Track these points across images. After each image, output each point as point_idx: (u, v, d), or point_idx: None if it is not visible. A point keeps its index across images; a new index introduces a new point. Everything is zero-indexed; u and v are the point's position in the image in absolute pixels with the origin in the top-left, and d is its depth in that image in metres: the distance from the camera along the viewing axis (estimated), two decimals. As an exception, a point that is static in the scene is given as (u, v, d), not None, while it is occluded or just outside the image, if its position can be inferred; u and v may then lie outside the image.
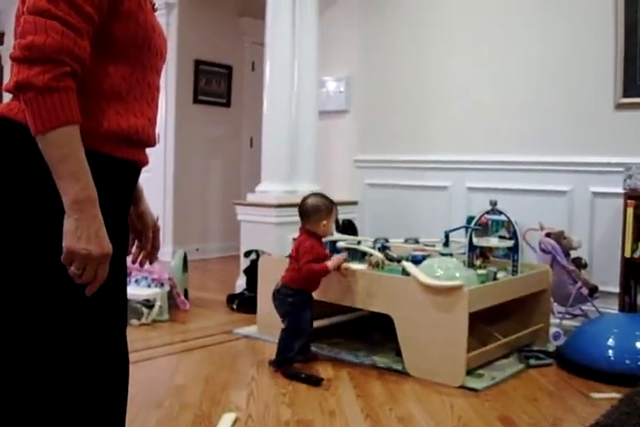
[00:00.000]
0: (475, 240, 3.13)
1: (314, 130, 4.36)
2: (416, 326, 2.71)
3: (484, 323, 3.05)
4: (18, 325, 1.17)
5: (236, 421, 2.22)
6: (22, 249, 1.15)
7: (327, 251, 2.96)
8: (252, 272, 3.88)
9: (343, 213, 3.42)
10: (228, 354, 3.03)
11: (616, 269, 3.25)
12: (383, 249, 3.27)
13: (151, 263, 1.51)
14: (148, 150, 1.35)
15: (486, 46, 4.00)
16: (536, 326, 3.16)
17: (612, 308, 3.39)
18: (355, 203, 4.58)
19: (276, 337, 3.14)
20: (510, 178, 3.90)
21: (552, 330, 3.20)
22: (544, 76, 3.77)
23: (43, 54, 1.06)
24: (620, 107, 3.51)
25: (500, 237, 3.49)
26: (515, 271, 3.06)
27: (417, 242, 3.42)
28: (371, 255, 3.08)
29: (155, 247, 1.49)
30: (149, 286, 3.70)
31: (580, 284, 3.26)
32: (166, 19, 5.72)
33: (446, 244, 3.14)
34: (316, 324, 3.04)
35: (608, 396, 2.47)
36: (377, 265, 3.00)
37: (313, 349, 2.99)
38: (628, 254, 3.16)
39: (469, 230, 3.11)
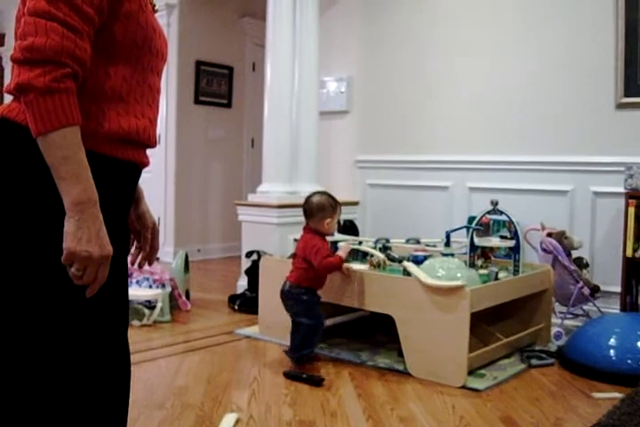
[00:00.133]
0: (476, 240, 3.13)
1: (315, 130, 4.36)
2: (417, 326, 2.71)
3: (485, 323, 3.05)
4: (18, 326, 1.17)
5: (237, 421, 2.22)
6: (23, 251, 1.15)
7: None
8: (253, 273, 3.89)
9: (344, 214, 3.42)
10: (230, 355, 3.03)
11: (617, 268, 3.25)
12: (384, 249, 3.27)
13: (150, 265, 1.51)
14: (149, 151, 1.35)
15: (487, 46, 4.00)
16: (538, 326, 3.16)
17: (613, 307, 3.39)
18: (356, 203, 4.58)
19: (278, 337, 3.15)
20: (511, 178, 3.90)
21: (554, 330, 3.21)
22: (545, 76, 3.77)
23: (43, 56, 1.06)
24: (620, 106, 3.51)
25: (502, 236, 3.49)
26: (516, 271, 3.06)
27: (418, 242, 3.42)
28: (372, 256, 3.08)
29: (153, 249, 1.48)
30: (151, 286, 3.70)
31: (581, 283, 3.26)
32: (167, 19, 5.73)
33: (447, 244, 3.14)
34: (318, 324, 3.04)
35: (610, 396, 2.47)
36: (378, 265, 3.00)
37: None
38: (629, 254, 3.16)
39: (471, 230, 3.11)
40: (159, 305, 3.56)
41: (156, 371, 2.77)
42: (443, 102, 4.21)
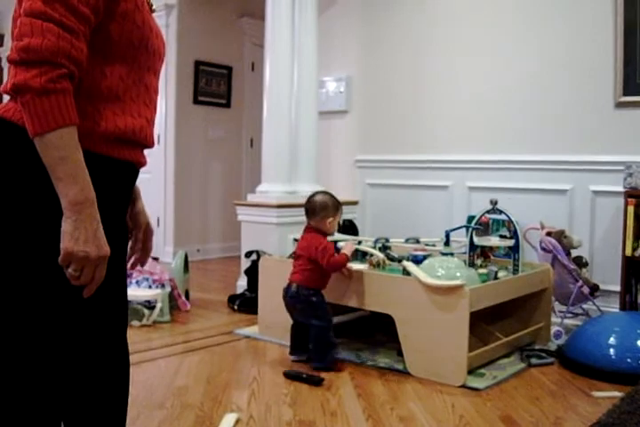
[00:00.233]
0: (475, 239, 3.13)
1: (314, 130, 4.36)
2: (417, 325, 2.71)
3: (485, 322, 3.05)
4: (16, 327, 1.17)
5: (237, 421, 2.22)
6: (20, 251, 1.15)
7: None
8: (252, 273, 3.89)
9: (344, 213, 3.42)
10: (230, 355, 3.03)
11: (617, 267, 3.25)
12: (384, 249, 3.27)
13: (142, 266, 1.50)
14: (147, 151, 1.35)
15: (486, 46, 4.00)
16: (537, 325, 3.16)
17: (613, 306, 3.39)
18: (355, 203, 4.58)
19: (278, 337, 3.15)
20: (511, 177, 3.90)
21: (553, 329, 3.21)
22: (544, 75, 3.77)
23: (39, 56, 1.06)
24: (619, 105, 3.51)
25: (501, 236, 3.49)
26: (516, 270, 3.06)
27: (418, 242, 3.42)
28: (371, 255, 3.08)
29: (145, 250, 1.47)
30: (150, 287, 3.70)
31: (580, 283, 3.26)
32: (166, 20, 5.73)
33: (447, 243, 3.14)
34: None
35: (610, 394, 2.47)
36: (378, 265, 3.01)
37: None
38: (628, 253, 3.16)
39: (470, 230, 3.11)
40: (159, 305, 3.56)
41: (156, 371, 2.77)
42: (442, 102, 4.21)
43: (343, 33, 4.71)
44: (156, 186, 5.88)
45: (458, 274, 2.76)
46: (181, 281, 3.95)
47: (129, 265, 1.45)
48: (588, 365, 2.69)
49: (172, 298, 3.82)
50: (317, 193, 2.96)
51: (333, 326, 2.85)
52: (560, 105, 3.72)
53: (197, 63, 5.90)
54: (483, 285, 2.79)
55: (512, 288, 2.95)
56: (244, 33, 6.32)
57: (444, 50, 4.19)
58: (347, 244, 2.98)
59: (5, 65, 7.21)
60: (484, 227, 3.47)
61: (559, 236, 3.36)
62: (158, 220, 5.92)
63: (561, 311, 3.35)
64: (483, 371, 2.75)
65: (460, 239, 3.32)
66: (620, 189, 3.32)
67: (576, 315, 3.42)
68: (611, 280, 3.43)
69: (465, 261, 3.03)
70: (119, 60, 1.21)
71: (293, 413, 2.32)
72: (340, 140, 4.75)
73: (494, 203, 3.12)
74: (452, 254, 3.03)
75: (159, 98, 5.20)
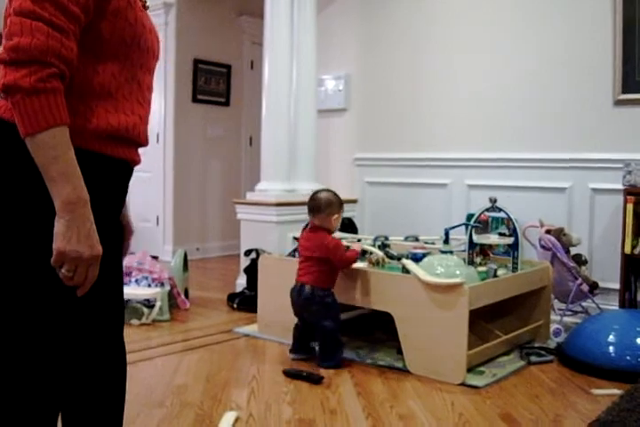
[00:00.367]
0: (475, 237, 3.13)
1: (313, 128, 4.36)
2: (417, 323, 2.71)
3: (484, 320, 3.05)
4: (11, 327, 1.16)
5: (237, 419, 2.22)
6: (13, 251, 1.15)
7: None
8: (252, 271, 3.89)
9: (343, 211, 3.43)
10: (229, 353, 3.03)
11: (616, 265, 3.25)
12: (383, 247, 3.27)
13: None
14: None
15: (485, 44, 4.00)
16: (536, 323, 3.16)
17: (612, 304, 3.39)
18: (354, 201, 4.58)
19: (277, 336, 3.15)
20: (510, 175, 3.90)
21: (552, 327, 3.21)
22: (543, 72, 3.77)
23: (29, 56, 1.06)
24: (618, 103, 3.51)
25: (500, 234, 3.49)
26: (515, 268, 3.06)
27: (417, 240, 3.42)
28: (371, 253, 3.09)
29: (124, 249, 1.46)
30: (150, 285, 3.70)
31: (580, 280, 3.26)
32: (165, 18, 5.72)
33: (446, 241, 3.14)
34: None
35: (609, 392, 2.47)
36: (377, 263, 3.01)
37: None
38: (627, 251, 3.16)
39: (469, 228, 3.11)
40: (158, 304, 3.56)
41: (155, 370, 2.77)
42: (441, 100, 4.21)
43: (342, 31, 4.71)
44: (155, 184, 5.88)
45: (457, 272, 2.76)
46: (181, 280, 3.95)
47: None
48: (588, 362, 2.69)
49: (172, 297, 3.82)
50: (320, 191, 2.97)
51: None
52: (559, 103, 3.72)
53: (196, 61, 5.89)
54: (482, 283, 2.79)
55: (511, 286, 2.95)
56: (243, 31, 6.31)
57: (443, 48, 4.19)
58: (354, 244, 3.04)
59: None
60: (483, 225, 3.46)
61: (558, 233, 3.36)
62: (157, 218, 5.92)
63: (560, 309, 3.36)
64: (482, 369, 2.75)
65: (460, 237, 3.32)
66: (620, 186, 3.32)
67: (575, 313, 3.42)
68: (610, 278, 3.43)
69: (464, 259, 3.03)
70: (111, 57, 1.21)
71: (293, 411, 2.32)
72: (339, 138, 4.75)
73: (493, 201, 3.12)
74: (451, 252, 3.03)
75: (158, 96, 5.19)
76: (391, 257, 3.09)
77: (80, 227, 1.09)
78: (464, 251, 3.13)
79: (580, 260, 3.40)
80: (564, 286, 3.29)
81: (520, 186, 3.84)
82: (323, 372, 2.73)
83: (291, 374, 2.69)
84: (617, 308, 3.28)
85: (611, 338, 2.67)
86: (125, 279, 3.74)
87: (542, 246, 3.37)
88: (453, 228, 3.22)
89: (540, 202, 3.77)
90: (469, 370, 2.67)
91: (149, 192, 5.90)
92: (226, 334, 3.36)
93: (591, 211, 3.61)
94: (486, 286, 2.78)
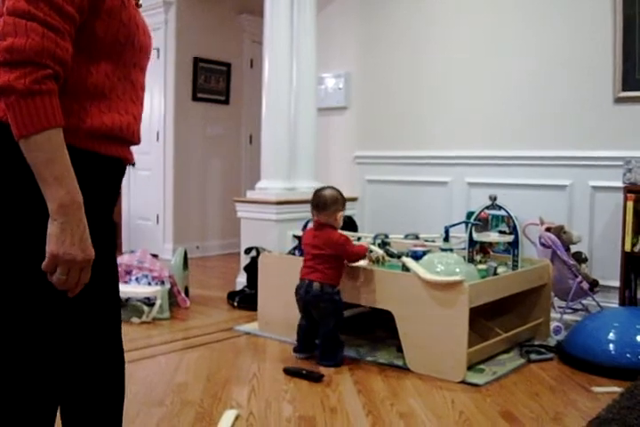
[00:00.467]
0: (475, 235, 3.13)
1: (313, 127, 4.36)
2: (417, 321, 2.71)
3: (484, 318, 3.05)
4: (6, 328, 1.16)
5: (237, 418, 2.22)
6: (6, 252, 1.14)
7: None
8: (252, 269, 3.89)
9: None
10: (229, 351, 3.03)
11: (616, 263, 3.25)
12: (383, 245, 3.27)
13: None
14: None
15: (485, 42, 3.99)
16: (537, 321, 3.16)
17: (612, 302, 3.39)
18: (354, 199, 4.58)
19: (277, 334, 3.16)
20: (510, 173, 3.90)
21: (553, 324, 3.21)
22: (543, 70, 3.76)
23: (23, 57, 1.04)
24: (619, 100, 3.51)
25: (500, 231, 3.49)
26: (515, 266, 3.06)
27: (417, 238, 3.42)
28: (371, 251, 3.08)
29: None
30: (150, 284, 3.70)
31: (580, 278, 3.26)
32: (165, 17, 5.72)
33: (446, 239, 3.13)
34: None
35: (609, 390, 2.47)
36: (377, 261, 3.00)
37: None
38: (628, 248, 3.16)
39: (469, 226, 3.11)
40: (158, 302, 3.56)
41: (156, 368, 2.77)
42: (441, 98, 4.21)
43: (342, 30, 4.70)
44: (155, 183, 5.88)
45: (457, 270, 2.76)
46: (181, 278, 3.95)
47: None
48: (588, 360, 2.69)
49: (172, 295, 3.82)
50: (324, 188, 2.97)
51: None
52: (559, 101, 3.72)
53: (196, 60, 5.89)
54: (482, 280, 2.79)
55: (511, 284, 2.95)
56: (243, 30, 6.31)
57: (443, 47, 4.18)
58: (361, 242, 3.07)
59: None
60: (483, 223, 3.46)
61: (558, 231, 3.36)
62: (158, 217, 5.92)
63: (560, 307, 3.36)
64: (482, 367, 2.76)
65: (460, 235, 3.32)
66: (620, 184, 3.32)
67: (575, 310, 3.42)
68: (610, 276, 3.43)
69: (464, 257, 3.03)
70: (105, 57, 1.20)
71: (293, 409, 2.32)
72: (339, 136, 4.75)
73: (493, 199, 3.12)
74: (451, 250, 3.03)
75: (158, 95, 5.19)
76: (391, 255, 3.09)
77: (74, 230, 1.09)
78: (464, 249, 3.13)
79: (580, 258, 3.40)
80: (564, 284, 3.29)
81: (520, 184, 3.84)
82: (323, 370, 2.73)
83: (291, 373, 2.69)
84: (617, 306, 3.28)
85: (611, 336, 2.67)
86: (126, 277, 3.74)
87: (542, 244, 3.37)
88: (453, 226, 3.22)
89: (540, 200, 3.77)
90: (469, 368, 2.67)
91: (149, 190, 5.91)
92: (226, 332, 3.36)
93: (591, 209, 3.61)
94: (486, 283, 2.78)
